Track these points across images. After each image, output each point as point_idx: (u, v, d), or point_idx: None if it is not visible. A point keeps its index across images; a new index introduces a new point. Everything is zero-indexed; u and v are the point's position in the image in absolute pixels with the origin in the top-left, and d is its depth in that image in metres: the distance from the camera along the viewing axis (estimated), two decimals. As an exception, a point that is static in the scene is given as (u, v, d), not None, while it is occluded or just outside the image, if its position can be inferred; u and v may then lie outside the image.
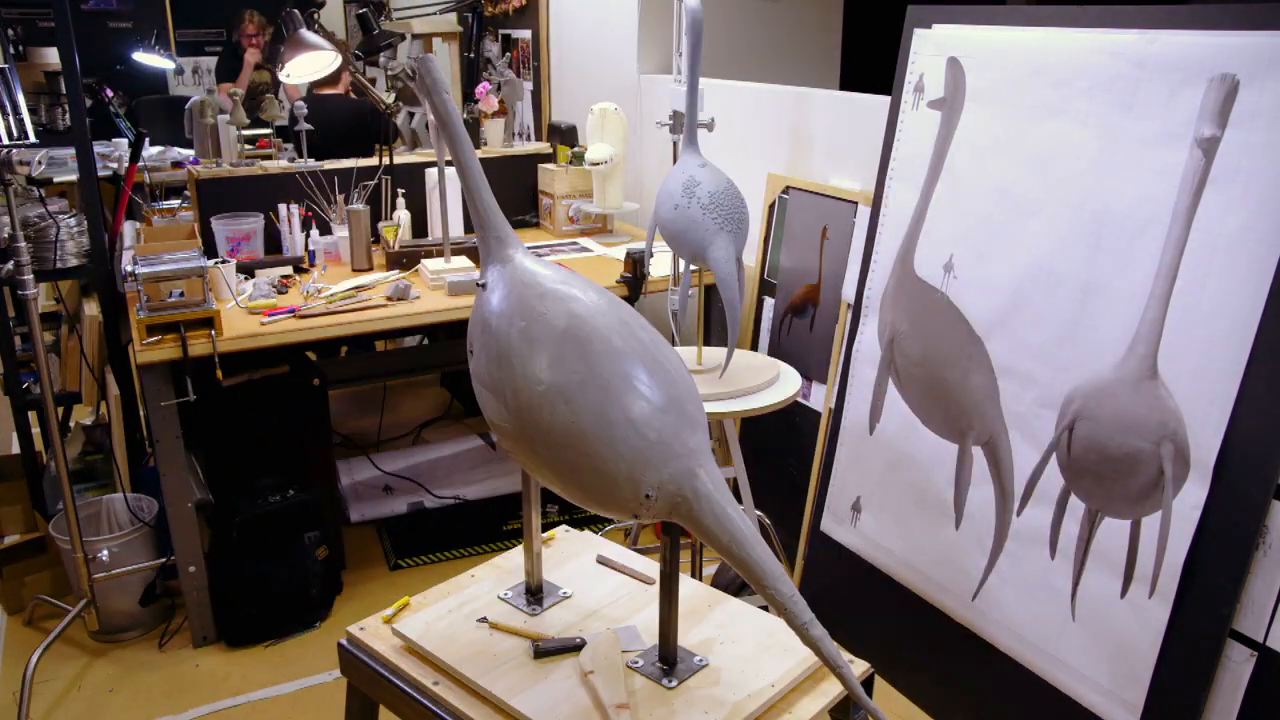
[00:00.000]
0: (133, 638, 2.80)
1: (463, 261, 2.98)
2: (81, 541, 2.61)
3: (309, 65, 3.21)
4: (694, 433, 1.20)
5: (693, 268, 2.38)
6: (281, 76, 3.25)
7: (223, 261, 2.80)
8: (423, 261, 3.03)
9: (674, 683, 1.37)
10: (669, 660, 1.40)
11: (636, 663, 1.41)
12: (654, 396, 1.18)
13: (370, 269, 3.10)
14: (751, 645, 1.46)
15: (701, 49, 2.28)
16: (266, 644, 2.76)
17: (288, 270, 3.01)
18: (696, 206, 2.14)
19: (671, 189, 2.19)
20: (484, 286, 1.33)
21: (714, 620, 1.53)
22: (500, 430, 1.27)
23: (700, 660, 1.41)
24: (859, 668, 1.43)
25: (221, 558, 2.74)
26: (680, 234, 2.16)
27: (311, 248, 3.18)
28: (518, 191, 3.71)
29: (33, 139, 2.71)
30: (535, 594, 1.57)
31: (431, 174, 3.34)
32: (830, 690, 1.39)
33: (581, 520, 3.34)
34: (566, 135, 3.65)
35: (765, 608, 1.38)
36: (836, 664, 1.18)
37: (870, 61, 3.90)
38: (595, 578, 1.65)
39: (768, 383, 2.34)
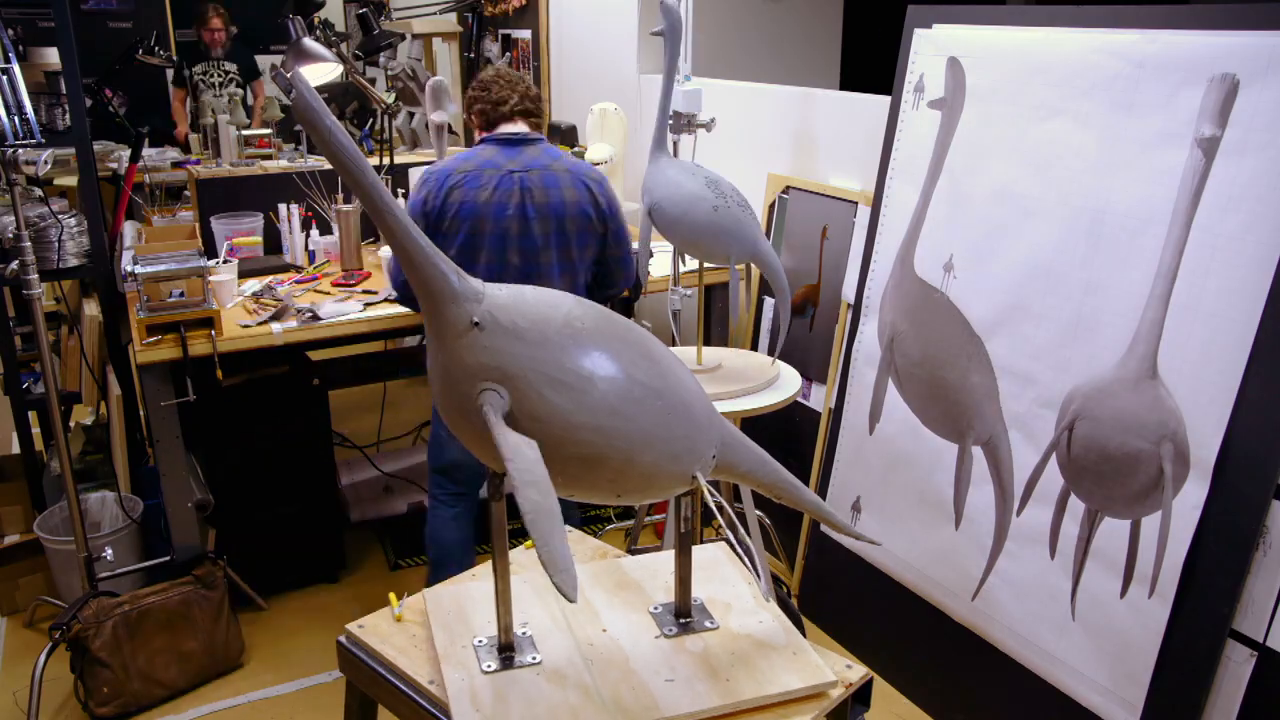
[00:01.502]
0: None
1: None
2: (86, 540, 2.61)
3: (310, 75, 3.21)
4: (708, 399, 1.36)
5: (689, 264, 2.38)
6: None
7: (224, 262, 2.80)
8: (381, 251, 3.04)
9: (673, 631, 1.45)
10: (683, 614, 1.48)
11: (656, 609, 1.49)
12: (687, 375, 1.32)
13: (362, 268, 3.10)
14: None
15: (679, 48, 2.30)
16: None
17: (274, 277, 2.98)
18: (735, 206, 2.18)
19: (696, 191, 2.17)
20: (479, 325, 1.17)
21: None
22: (566, 458, 1.19)
23: (712, 624, 1.48)
24: (856, 673, 1.43)
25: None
26: (729, 234, 2.17)
27: (311, 248, 3.18)
28: (518, 191, 3.70)
29: (39, 138, 2.70)
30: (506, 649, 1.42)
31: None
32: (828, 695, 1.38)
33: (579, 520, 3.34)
34: (566, 135, 3.65)
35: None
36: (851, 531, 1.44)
37: (870, 61, 3.90)
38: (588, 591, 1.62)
39: (767, 383, 2.34)
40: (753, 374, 2.36)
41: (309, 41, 3.15)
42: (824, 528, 2.71)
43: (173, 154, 4.60)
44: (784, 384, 2.36)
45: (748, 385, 2.30)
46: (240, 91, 4.94)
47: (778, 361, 2.46)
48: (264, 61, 6.14)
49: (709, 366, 2.42)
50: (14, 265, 2.45)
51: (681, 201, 2.20)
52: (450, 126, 3.79)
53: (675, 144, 3.02)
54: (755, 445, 1.39)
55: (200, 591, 2.57)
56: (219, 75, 5.13)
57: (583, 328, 1.20)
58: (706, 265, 3.11)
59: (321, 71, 3.19)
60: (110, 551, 2.71)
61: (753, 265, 2.27)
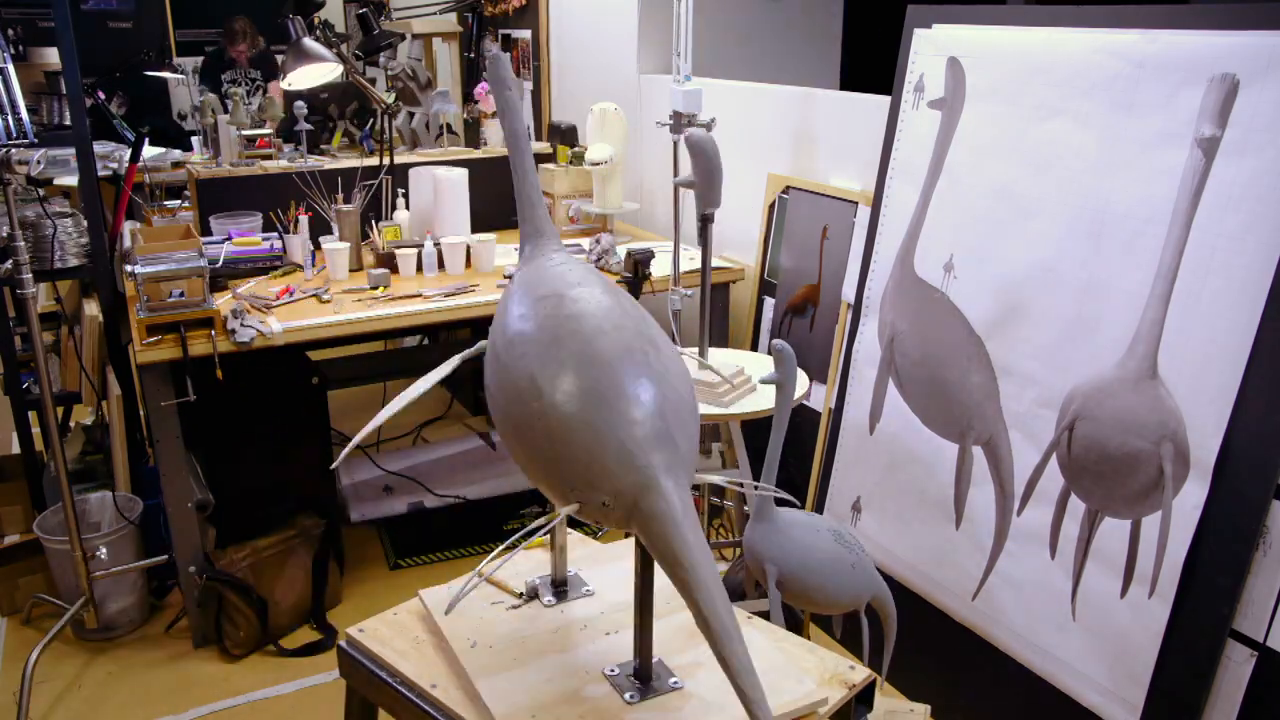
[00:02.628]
0: (119, 635, 2.82)
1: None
2: (80, 540, 2.61)
3: (311, 75, 3.21)
4: (665, 448, 1.15)
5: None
6: (283, 85, 3.25)
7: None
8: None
9: (634, 698, 1.33)
10: (643, 677, 1.36)
11: (613, 671, 1.39)
12: (630, 407, 1.15)
13: (360, 269, 3.10)
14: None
15: (791, 394, 1.97)
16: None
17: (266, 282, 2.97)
18: (864, 558, 2.02)
19: (835, 551, 1.95)
20: (509, 279, 1.39)
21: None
22: (495, 416, 1.29)
23: (675, 683, 1.37)
24: (859, 674, 1.42)
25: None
26: (855, 589, 1.96)
27: (311, 249, 3.18)
28: (518, 191, 3.70)
29: (31, 138, 2.71)
30: (560, 586, 1.58)
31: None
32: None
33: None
34: (566, 135, 3.65)
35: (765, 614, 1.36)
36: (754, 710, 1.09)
37: (870, 61, 3.90)
38: (620, 577, 1.62)
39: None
40: (755, 375, 2.35)
41: (309, 41, 3.15)
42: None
43: (174, 154, 4.60)
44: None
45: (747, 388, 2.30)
46: (241, 91, 4.94)
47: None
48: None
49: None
50: (8, 265, 2.45)
51: (821, 567, 1.96)
52: (450, 126, 3.79)
53: (676, 144, 3.01)
54: (690, 551, 1.10)
55: (297, 541, 2.84)
56: (246, 84, 5.21)
57: (542, 311, 1.24)
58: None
59: (321, 71, 3.19)
60: (105, 551, 2.71)
61: (748, 267, 2.27)
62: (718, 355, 2.57)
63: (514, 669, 1.39)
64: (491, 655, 1.41)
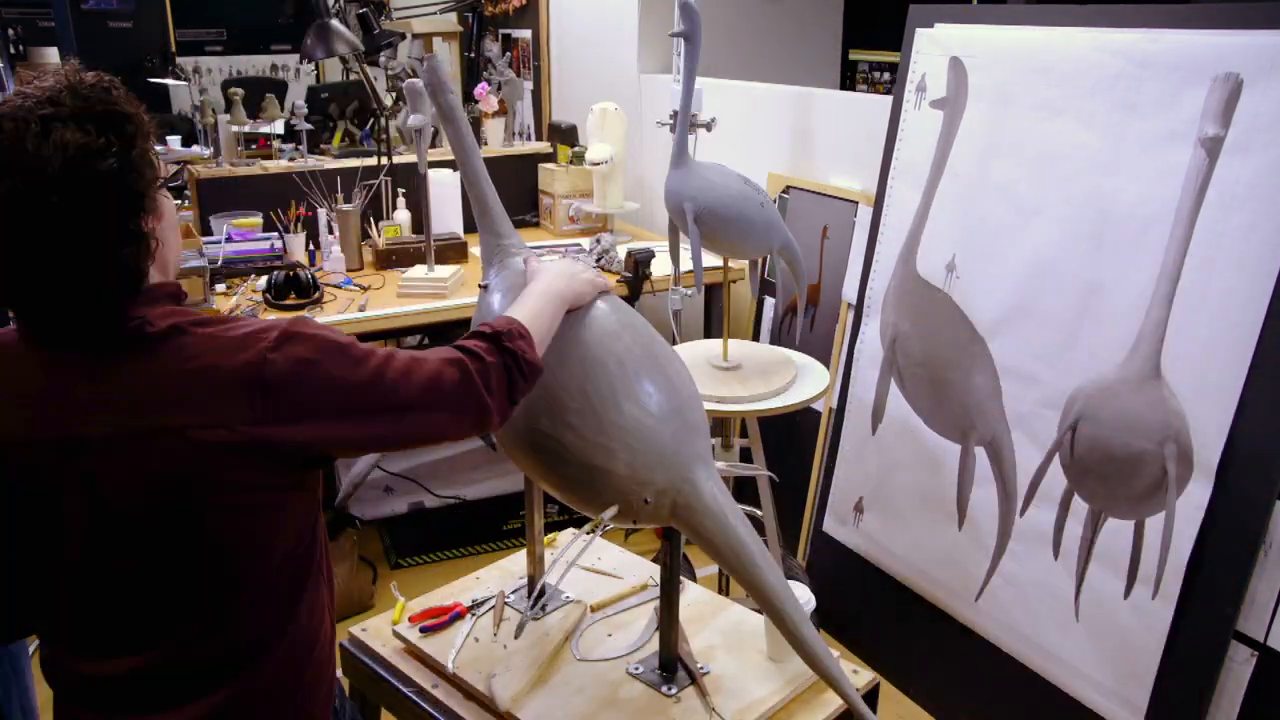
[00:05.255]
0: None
1: (444, 270, 2.94)
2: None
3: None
4: (694, 440, 1.19)
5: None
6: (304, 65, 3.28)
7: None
8: (406, 272, 2.98)
9: (673, 690, 1.36)
10: (668, 667, 1.39)
11: (636, 669, 1.40)
12: (652, 404, 1.18)
13: (361, 268, 3.10)
14: (754, 653, 1.45)
15: (699, 49, 2.26)
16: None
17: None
18: (769, 198, 2.25)
19: (742, 190, 2.20)
20: (486, 289, 1.34)
21: (717, 627, 1.52)
22: (500, 435, 1.26)
23: (703, 669, 1.40)
24: (863, 678, 1.42)
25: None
26: (774, 226, 2.24)
27: (311, 248, 3.17)
28: (518, 191, 3.70)
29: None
30: (538, 597, 1.56)
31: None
32: (831, 702, 1.38)
33: (583, 520, 3.33)
34: (566, 135, 3.64)
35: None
36: (844, 690, 1.17)
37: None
38: (599, 580, 1.64)
39: (791, 382, 2.32)
40: (777, 372, 2.33)
41: (334, 23, 3.18)
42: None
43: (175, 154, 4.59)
44: (811, 379, 2.34)
45: (776, 385, 2.28)
46: (241, 91, 4.93)
47: (793, 356, 2.45)
48: (264, 61, 6.11)
49: (731, 364, 2.40)
50: None
51: (733, 203, 2.17)
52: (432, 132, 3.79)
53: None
54: (736, 530, 1.16)
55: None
56: None
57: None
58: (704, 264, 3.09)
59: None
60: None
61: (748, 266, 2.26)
62: (736, 351, 2.56)
63: (542, 691, 1.37)
64: (514, 682, 1.39)
